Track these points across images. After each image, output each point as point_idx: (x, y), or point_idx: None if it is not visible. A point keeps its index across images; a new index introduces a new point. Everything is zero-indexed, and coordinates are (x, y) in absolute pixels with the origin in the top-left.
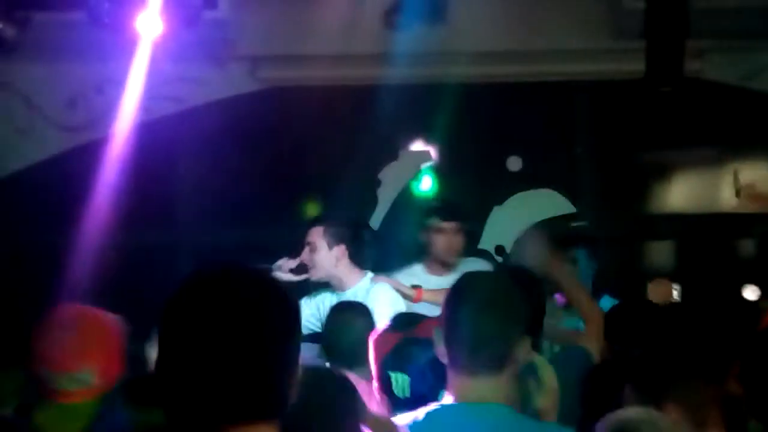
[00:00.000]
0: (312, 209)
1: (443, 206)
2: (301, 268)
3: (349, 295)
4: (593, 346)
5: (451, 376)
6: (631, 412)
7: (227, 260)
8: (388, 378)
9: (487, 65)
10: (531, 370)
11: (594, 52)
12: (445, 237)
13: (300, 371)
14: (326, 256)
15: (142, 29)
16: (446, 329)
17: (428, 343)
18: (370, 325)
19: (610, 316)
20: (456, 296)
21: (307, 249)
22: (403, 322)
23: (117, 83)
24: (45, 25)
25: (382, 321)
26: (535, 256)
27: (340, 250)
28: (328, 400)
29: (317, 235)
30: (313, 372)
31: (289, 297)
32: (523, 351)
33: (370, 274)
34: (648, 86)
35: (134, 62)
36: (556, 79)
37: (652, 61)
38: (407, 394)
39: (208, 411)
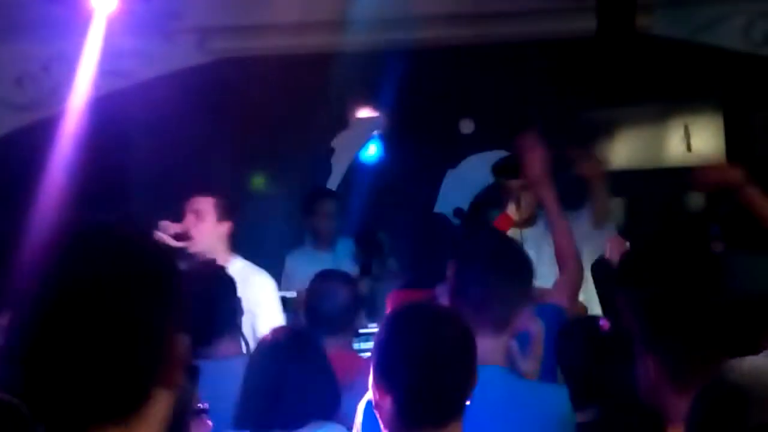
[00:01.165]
0: (260, 180)
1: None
2: (182, 236)
3: None
4: (565, 298)
5: None
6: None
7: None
8: None
9: (439, 28)
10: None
11: (544, 12)
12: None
13: None
14: (212, 228)
15: (95, 4)
16: (452, 288)
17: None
18: (354, 293)
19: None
20: (463, 255)
21: (192, 217)
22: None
23: (64, 60)
24: None
25: (263, 318)
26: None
27: (227, 226)
28: None
29: (207, 205)
30: None
31: (157, 265)
32: (521, 315)
33: (239, 260)
34: (599, 43)
35: (86, 38)
36: (506, 40)
37: (604, 19)
38: None
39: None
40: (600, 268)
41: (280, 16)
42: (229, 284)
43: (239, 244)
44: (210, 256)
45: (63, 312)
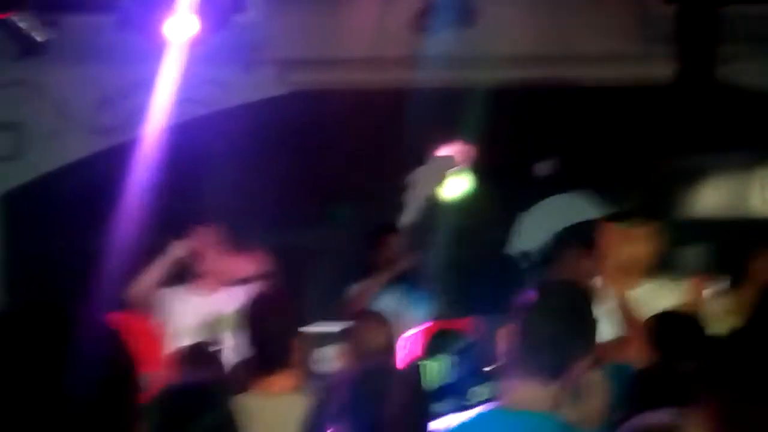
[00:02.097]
0: (340, 213)
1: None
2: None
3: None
4: (635, 354)
5: (506, 379)
6: (656, 417)
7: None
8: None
9: (516, 69)
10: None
11: (622, 57)
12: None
13: None
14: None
15: (172, 32)
16: (515, 332)
17: (464, 336)
18: None
19: (658, 324)
20: (528, 301)
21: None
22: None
23: (146, 86)
24: (75, 28)
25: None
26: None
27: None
28: None
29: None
30: None
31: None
32: (582, 367)
33: None
34: (679, 91)
35: (164, 65)
36: (586, 83)
37: (683, 67)
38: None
39: None
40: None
41: (360, 51)
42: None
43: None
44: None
45: None
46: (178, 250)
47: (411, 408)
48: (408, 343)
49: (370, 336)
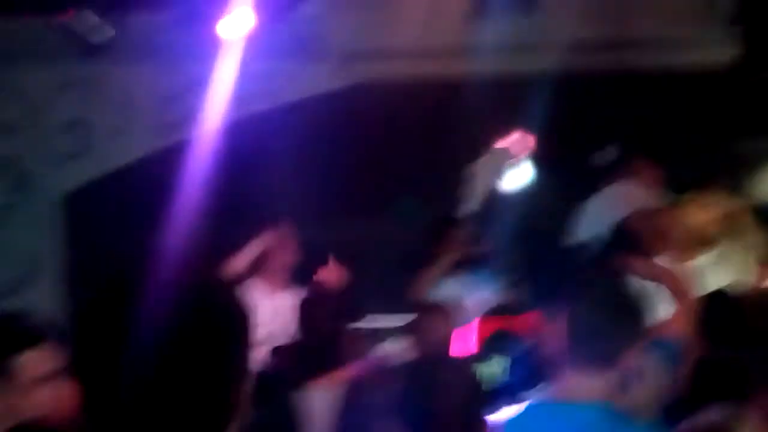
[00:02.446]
0: (402, 205)
1: None
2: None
3: None
4: (682, 332)
5: (561, 371)
6: (712, 416)
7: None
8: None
9: (577, 55)
10: None
11: (686, 41)
12: None
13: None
14: None
15: (230, 28)
16: (567, 323)
17: (522, 338)
18: None
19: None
20: (576, 290)
21: None
22: (504, 310)
23: (208, 83)
24: (137, 27)
25: None
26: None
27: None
28: None
29: None
30: None
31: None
32: (633, 355)
33: None
34: (746, 73)
35: (223, 61)
36: (649, 68)
37: (750, 48)
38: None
39: None
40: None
41: (419, 41)
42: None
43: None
44: None
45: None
46: (259, 244)
47: (467, 399)
48: (464, 336)
49: (434, 327)
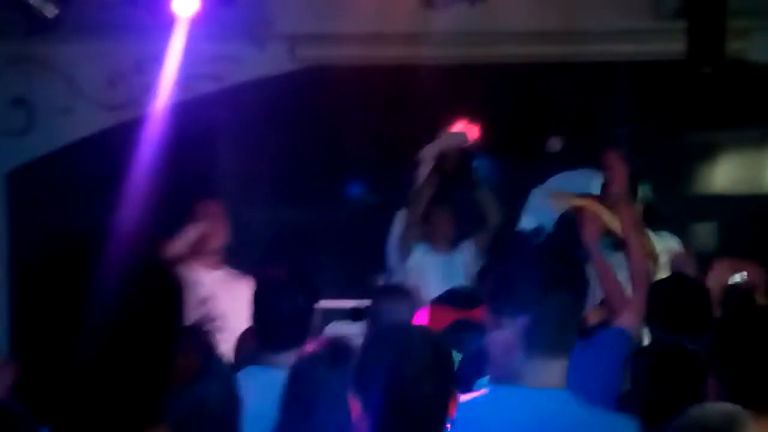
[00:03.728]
0: (351, 189)
1: None
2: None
3: None
4: (634, 319)
5: (523, 358)
6: (716, 410)
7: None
8: None
9: (527, 45)
10: None
11: (634, 32)
12: None
13: None
14: None
15: (179, 8)
16: (531, 312)
17: (483, 328)
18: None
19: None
20: (544, 279)
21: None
22: (461, 300)
23: (157, 61)
24: (85, 4)
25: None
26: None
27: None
28: None
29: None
30: None
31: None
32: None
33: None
34: (690, 67)
35: (173, 41)
36: (596, 59)
37: (694, 42)
38: None
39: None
40: None
41: (370, 26)
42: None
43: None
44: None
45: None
46: (194, 230)
47: (432, 365)
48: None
49: (394, 310)
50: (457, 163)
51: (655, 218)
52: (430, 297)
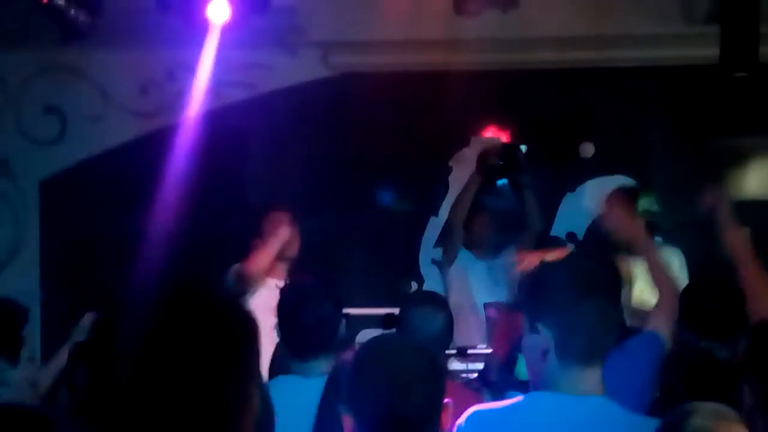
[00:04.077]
0: (383, 196)
1: None
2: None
3: None
4: (664, 324)
5: (557, 366)
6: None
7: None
8: (516, 359)
9: (559, 51)
10: None
11: (666, 37)
12: None
13: None
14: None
15: (212, 15)
16: (565, 318)
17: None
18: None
19: (692, 296)
20: (577, 285)
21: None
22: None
23: (188, 69)
24: (117, 12)
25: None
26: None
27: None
28: None
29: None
30: None
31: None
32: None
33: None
34: (722, 72)
35: (206, 49)
36: (628, 64)
37: (727, 46)
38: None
39: None
40: None
41: (402, 33)
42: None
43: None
44: None
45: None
46: (283, 233)
47: (424, 375)
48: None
49: (424, 320)
50: (502, 158)
51: (656, 230)
52: (473, 303)
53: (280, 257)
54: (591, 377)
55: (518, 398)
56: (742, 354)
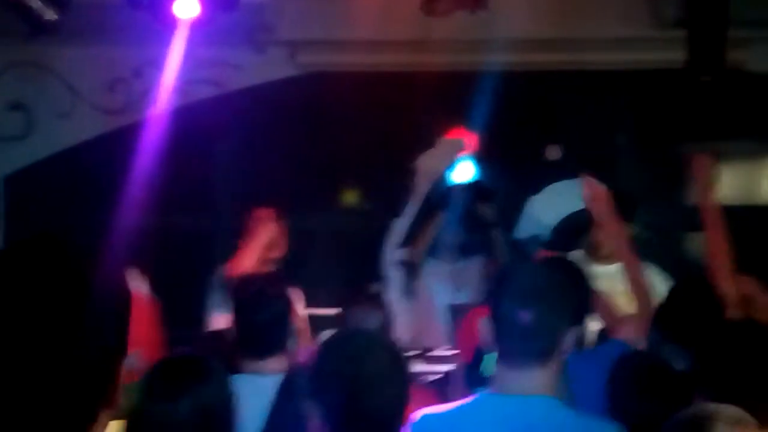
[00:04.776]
0: (348, 196)
1: None
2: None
3: None
4: (634, 334)
5: (500, 367)
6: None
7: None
8: (481, 358)
9: (527, 53)
10: None
11: (634, 41)
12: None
13: None
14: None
15: (180, 12)
16: (493, 321)
17: None
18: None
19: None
20: (501, 288)
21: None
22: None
23: (156, 66)
24: (85, 8)
25: None
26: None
27: None
28: None
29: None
30: None
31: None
32: (570, 342)
33: None
34: (689, 76)
35: (174, 46)
36: (596, 67)
37: (693, 51)
38: None
39: None
40: None
41: (370, 33)
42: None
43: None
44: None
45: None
46: (265, 233)
47: (388, 371)
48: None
49: (362, 319)
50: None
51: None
52: (436, 306)
53: (265, 256)
54: (537, 378)
55: (465, 399)
56: (696, 364)
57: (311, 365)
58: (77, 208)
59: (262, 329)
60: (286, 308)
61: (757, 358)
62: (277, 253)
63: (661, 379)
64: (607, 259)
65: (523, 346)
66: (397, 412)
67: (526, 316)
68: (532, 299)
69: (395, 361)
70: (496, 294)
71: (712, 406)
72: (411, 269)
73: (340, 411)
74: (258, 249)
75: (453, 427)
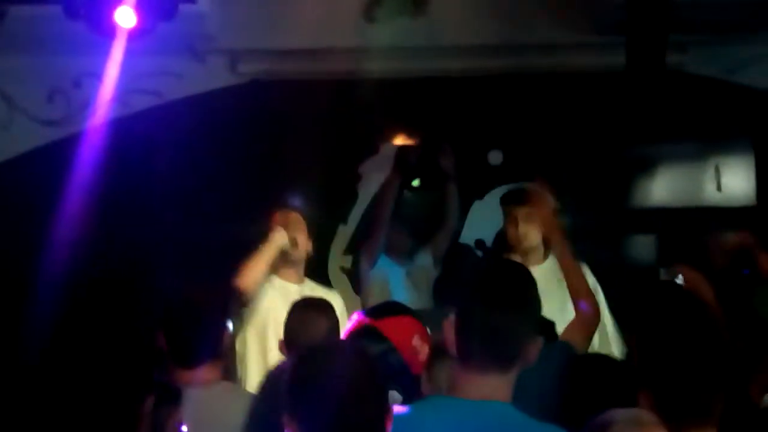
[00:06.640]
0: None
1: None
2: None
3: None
4: (579, 336)
5: (458, 371)
6: (618, 415)
7: None
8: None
9: (468, 59)
10: None
11: (575, 46)
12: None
13: None
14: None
15: (120, 22)
16: (459, 323)
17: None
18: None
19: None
20: (472, 290)
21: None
22: (376, 310)
23: (95, 76)
24: (21, 19)
25: None
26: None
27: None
28: None
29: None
30: None
31: None
32: (534, 352)
33: None
34: (629, 79)
35: (113, 56)
36: (537, 71)
37: (634, 55)
38: None
39: None
40: None
41: (311, 41)
42: (222, 308)
43: None
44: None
45: None
46: (279, 237)
47: (368, 382)
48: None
49: (308, 326)
50: (421, 155)
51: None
52: None
53: (285, 260)
54: (492, 383)
55: (418, 402)
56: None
57: (288, 379)
58: (16, 220)
59: (193, 339)
60: (221, 317)
61: (693, 353)
62: (299, 255)
63: (614, 381)
64: (539, 259)
65: (488, 350)
66: (380, 423)
67: (496, 320)
68: (504, 303)
69: (373, 371)
70: (466, 295)
71: (615, 412)
72: (357, 274)
73: (324, 424)
74: (265, 257)
75: (402, 429)
